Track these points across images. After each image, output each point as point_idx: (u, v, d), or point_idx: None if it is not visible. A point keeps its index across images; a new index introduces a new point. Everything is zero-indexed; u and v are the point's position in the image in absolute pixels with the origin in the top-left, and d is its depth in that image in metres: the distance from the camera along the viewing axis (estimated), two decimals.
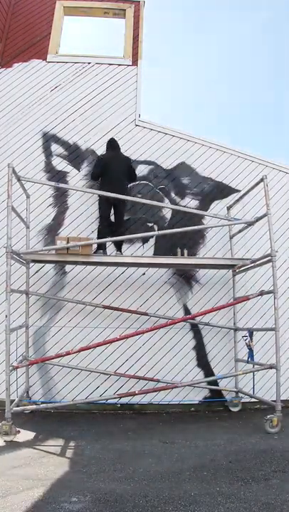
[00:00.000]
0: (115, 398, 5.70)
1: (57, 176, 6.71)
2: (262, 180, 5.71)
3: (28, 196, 6.30)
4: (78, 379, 6.15)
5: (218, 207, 6.88)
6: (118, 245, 6.28)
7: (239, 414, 6.08)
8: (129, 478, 3.66)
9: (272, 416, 4.98)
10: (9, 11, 7.42)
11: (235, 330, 6.39)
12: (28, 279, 6.14)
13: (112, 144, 6.29)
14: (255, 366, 5.70)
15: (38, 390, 6.11)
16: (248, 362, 5.85)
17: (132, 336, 5.43)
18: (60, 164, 6.81)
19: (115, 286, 6.45)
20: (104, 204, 6.09)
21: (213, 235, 6.79)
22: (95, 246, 6.00)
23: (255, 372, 5.85)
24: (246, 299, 5.73)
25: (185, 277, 6.62)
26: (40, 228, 6.53)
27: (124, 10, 7.58)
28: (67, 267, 6.44)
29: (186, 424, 5.53)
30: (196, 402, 6.29)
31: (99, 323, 6.30)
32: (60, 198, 6.65)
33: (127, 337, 5.48)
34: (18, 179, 5.56)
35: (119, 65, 7.28)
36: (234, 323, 6.43)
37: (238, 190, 6.96)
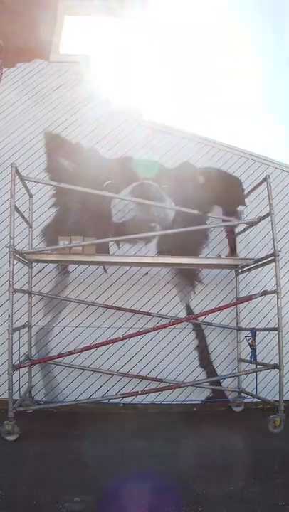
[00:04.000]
0: (118, 398, 5.70)
1: (59, 176, 6.69)
2: (265, 179, 5.70)
3: (30, 196, 6.29)
4: (81, 379, 6.15)
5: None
6: None
7: (242, 414, 6.07)
8: (132, 478, 3.65)
9: (275, 416, 4.97)
10: (12, 10, 7.38)
11: (238, 330, 6.37)
12: (30, 279, 6.15)
13: None
14: (258, 366, 5.68)
15: (41, 389, 6.12)
16: (250, 362, 5.83)
17: (135, 335, 5.41)
18: (62, 164, 6.82)
19: (118, 285, 6.45)
20: None
21: (216, 234, 6.78)
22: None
23: (258, 372, 5.83)
24: (249, 298, 5.71)
25: (188, 277, 6.60)
26: (42, 228, 6.53)
27: (127, 8, 7.56)
28: (70, 267, 6.44)
29: (188, 424, 5.52)
30: (199, 402, 6.28)
31: (101, 323, 6.29)
32: (63, 198, 6.65)
33: (129, 337, 5.48)
34: (21, 179, 5.56)
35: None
36: (237, 323, 6.42)
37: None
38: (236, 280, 6.52)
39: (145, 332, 5.45)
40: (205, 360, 6.41)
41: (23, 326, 5.83)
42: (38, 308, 6.31)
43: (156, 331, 5.95)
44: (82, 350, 5.41)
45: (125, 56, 7.37)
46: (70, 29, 7.60)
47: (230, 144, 7.14)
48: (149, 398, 6.17)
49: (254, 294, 5.69)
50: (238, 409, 6.15)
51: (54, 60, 7.21)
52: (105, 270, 6.49)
